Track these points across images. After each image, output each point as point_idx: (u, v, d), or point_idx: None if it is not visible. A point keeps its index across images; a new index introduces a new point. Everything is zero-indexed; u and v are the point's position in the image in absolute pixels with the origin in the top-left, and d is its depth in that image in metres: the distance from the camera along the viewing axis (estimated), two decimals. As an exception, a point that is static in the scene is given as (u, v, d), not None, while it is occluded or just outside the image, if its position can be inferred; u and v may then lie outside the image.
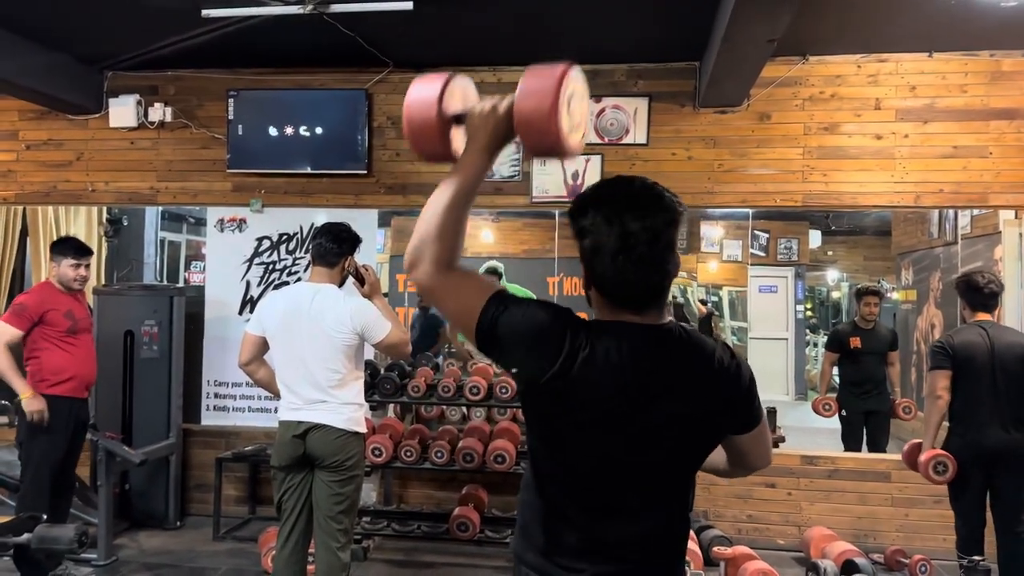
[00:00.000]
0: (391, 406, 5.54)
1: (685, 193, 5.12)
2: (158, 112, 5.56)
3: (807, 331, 11.13)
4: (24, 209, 6.91)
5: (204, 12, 4.29)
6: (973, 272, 4.17)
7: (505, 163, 5.30)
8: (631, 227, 1.42)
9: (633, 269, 1.43)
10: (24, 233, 7.28)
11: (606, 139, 5.22)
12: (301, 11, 4.20)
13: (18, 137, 5.79)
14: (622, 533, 1.49)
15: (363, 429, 3.40)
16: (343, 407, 3.31)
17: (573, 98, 1.51)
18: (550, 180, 5.27)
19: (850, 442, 5.77)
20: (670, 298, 6.84)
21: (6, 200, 5.89)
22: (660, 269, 1.46)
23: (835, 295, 12.55)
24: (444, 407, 5.49)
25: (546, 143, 1.47)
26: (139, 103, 5.58)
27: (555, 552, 1.50)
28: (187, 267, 9.95)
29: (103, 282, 7.56)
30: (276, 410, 3.46)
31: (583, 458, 1.49)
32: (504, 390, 4.68)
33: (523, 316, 1.46)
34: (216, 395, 5.62)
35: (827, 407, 5.75)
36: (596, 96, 5.21)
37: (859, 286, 6.27)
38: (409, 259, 1.48)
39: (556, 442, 1.51)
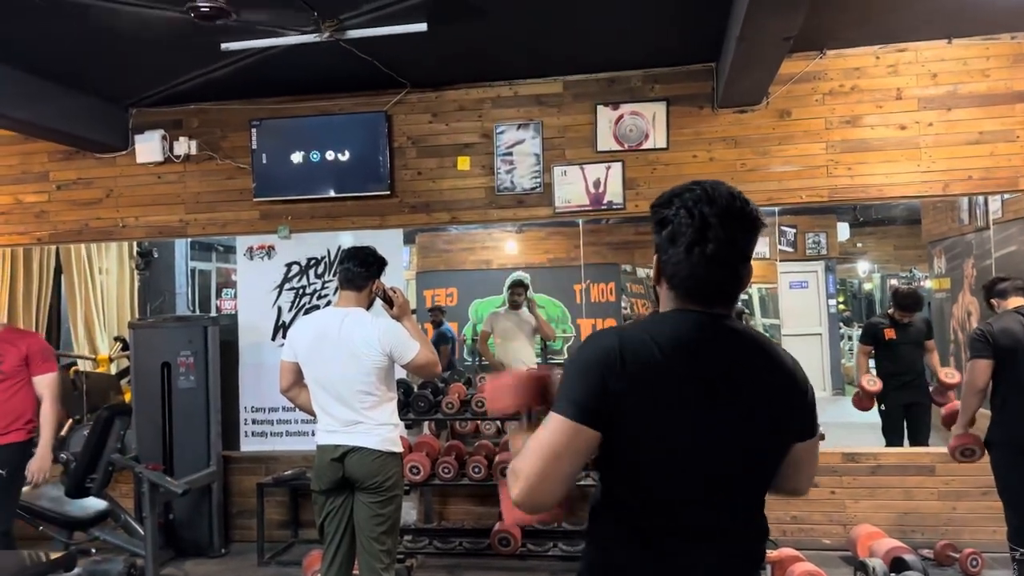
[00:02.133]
0: (426, 423, 5.57)
1: (709, 195, 5.11)
2: (183, 146, 5.65)
3: (841, 325, 10.99)
4: (57, 248, 7.06)
5: (223, 46, 4.37)
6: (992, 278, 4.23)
7: (526, 175, 5.31)
8: (711, 221, 1.44)
9: (705, 263, 1.45)
10: (58, 271, 7.44)
11: (626, 145, 5.21)
12: (318, 39, 4.26)
13: (49, 178, 5.91)
14: (707, 556, 1.47)
15: (399, 449, 3.41)
16: (378, 428, 3.33)
17: None
18: (572, 190, 5.27)
19: (891, 435, 5.68)
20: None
21: (40, 240, 6.01)
22: (732, 270, 1.47)
23: (867, 287, 12.39)
24: (479, 422, 5.50)
25: None
26: (164, 138, 5.68)
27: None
28: (218, 295, 10.08)
29: (136, 315, 7.69)
30: (313, 433, 3.49)
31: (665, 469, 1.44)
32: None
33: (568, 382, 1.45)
34: (254, 421, 5.68)
35: (871, 382, 5.65)
36: (613, 103, 5.22)
37: (898, 289, 6.15)
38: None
39: (635, 467, 1.46)
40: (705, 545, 1.46)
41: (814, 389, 1.56)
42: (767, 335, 1.61)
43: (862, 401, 5.58)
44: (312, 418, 3.50)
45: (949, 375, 5.40)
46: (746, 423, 1.45)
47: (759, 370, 1.48)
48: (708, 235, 1.43)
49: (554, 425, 1.41)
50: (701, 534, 1.47)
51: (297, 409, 3.63)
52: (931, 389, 5.58)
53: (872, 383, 5.52)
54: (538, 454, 1.40)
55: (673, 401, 1.42)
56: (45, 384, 4.17)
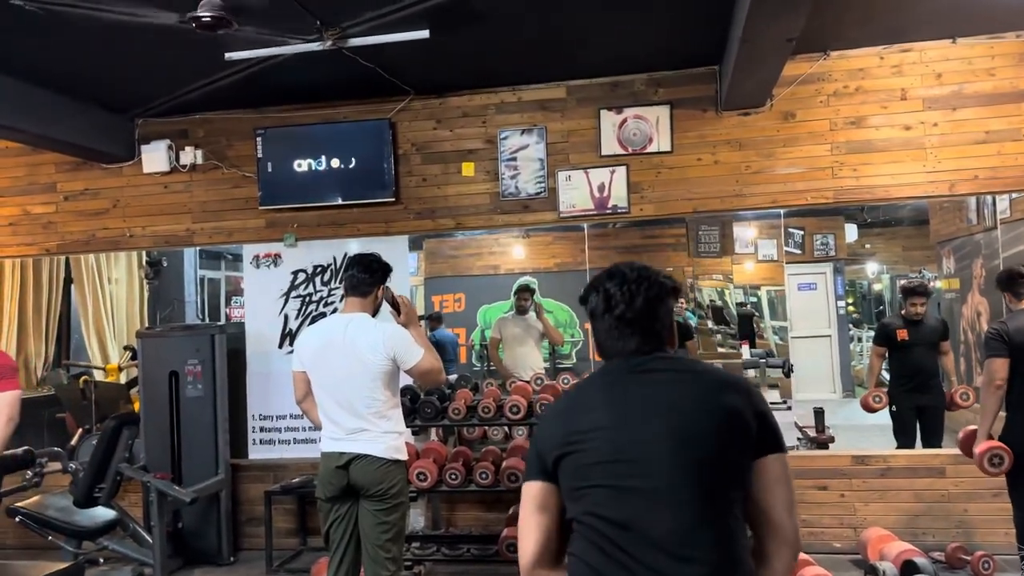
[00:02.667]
0: (433, 430, 5.56)
1: (713, 197, 5.11)
2: (189, 155, 5.69)
3: (850, 326, 10.93)
4: (67, 258, 7.11)
5: (227, 55, 4.39)
6: (1012, 267, 4.10)
7: (531, 180, 5.32)
8: (611, 291, 1.73)
9: (616, 325, 1.72)
10: (68, 281, 7.48)
11: (630, 149, 5.21)
12: (321, 47, 4.27)
13: (56, 189, 5.95)
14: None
15: (404, 456, 3.41)
16: (383, 435, 3.33)
17: None
18: (577, 194, 5.27)
19: (902, 438, 5.64)
20: (707, 301, 6.69)
21: (48, 251, 6.04)
22: (642, 327, 1.71)
23: (877, 287, 12.32)
24: (486, 428, 5.49)
25: None
26: (170, 148, 5.71)
27: None
28: (227, 303, 10.11)
29: (146, 324, 7.73)
30: (320, 440, 3.50)
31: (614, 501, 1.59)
32: (544, 408, 4.66)
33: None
34: (262, 429, 5.69)
35: (877, 399, 5.62)
36: (617, 107, 5.22)
37: (903, 283, 6.13)
38: None
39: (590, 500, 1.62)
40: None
41: (765, 403, 1.66)
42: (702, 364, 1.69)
43: (870, 405, 5.57)
44: (317, 428, 3.51)
45: (964, 397, 5.35)
46: (666, 442, 1.58)
47: (676, 391, 1.65)
48: (611, 302, 1.73)
49: None
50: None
51: (307, 419, 3.64)
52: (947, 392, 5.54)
53: (878, 401, 5.51)
54: None
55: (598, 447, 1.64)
56: (5, 402, 4.03)
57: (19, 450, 4.37)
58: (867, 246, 11.31)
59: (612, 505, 1.55)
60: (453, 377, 5.91)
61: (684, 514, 1.51)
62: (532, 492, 1.68)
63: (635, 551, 1.51)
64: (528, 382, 5.20)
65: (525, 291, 6.59)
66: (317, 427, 3.51)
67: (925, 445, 5.53)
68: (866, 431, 6.60)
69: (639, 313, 1.71)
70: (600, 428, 1.61)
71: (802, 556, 4.29)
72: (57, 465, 4.96)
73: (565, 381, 5.00)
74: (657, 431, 1.56)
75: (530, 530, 1.66)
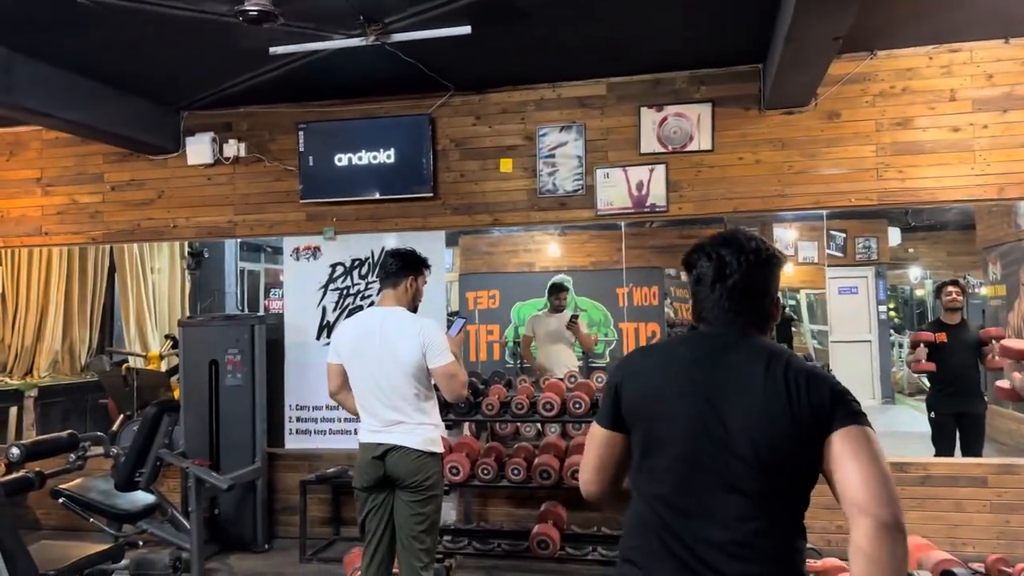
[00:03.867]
0: (466, 424, 5.58)
1: (754, 197, 5.06)
2: (232, 148, 5.77)
3: (892, 332, 10.74)
4: (111, 247, 7.25)
5: (272, 50, 4.44)
6: None
7: (569, 177, 5.30)
8: (727, 259, 1.67)
9: (727, 296, 1.67)
10: (112, 270, 7.64)
11: (669, 147, 5.17)
12: (363, 42, 4.31)
13: (103, 179, 6.08)
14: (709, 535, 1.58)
15: (440, 449, 3.43)
16: (419, 427, 3.35)
17: None
18: (615, 192, 5.25)
19: (941, 445, 5.52)
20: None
21: (94, 240, 6.18)
22: (752, 301, 1.68)
23: (919, 293, 12.08)
24: (519, 424, 5.50)
25: None
26: (214, 140, 5.80)
27: None
28: (266, 295, 10.24)
29: (187, 314, 7.86)
30: (356, 432, 3.53)
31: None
32: (578, 405, 4.66)
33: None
34: (298, 419, 5.76)
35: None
36: (657, 105, 5.18)
37: (938, 282, 6.03)
38: None
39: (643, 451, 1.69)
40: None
41: (839, 385, 1.60)
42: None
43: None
44: (356, 418, 3.55)
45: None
46: (736, 427, 1.59)
47: (744, 376, 1.61)
48: (726, 271, 1.67)
49: None
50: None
51: (343, 410, 3.68)
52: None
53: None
54: None
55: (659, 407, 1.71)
56: None
57: (63, 434, 4.48)
58: (910, 250, 11.09)
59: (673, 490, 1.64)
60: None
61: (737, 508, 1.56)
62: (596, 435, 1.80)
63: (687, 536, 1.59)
64: (562, 379, 5.19)
65: (560, 290, 6.57)
66: (355, 415, 3.55)
67: (965, 453, 5.41)
68: (906, 438, 6.48)
69: (753, 286, 1.68)
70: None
71: (836, 563, 4.23)
72: (99, 449, 5.06)
73: (599, 380, 4.98)
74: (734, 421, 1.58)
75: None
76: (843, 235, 9.67)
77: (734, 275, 1.65)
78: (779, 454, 1.54)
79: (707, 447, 1.57)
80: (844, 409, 1.54)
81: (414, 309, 3.52)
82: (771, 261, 1.68)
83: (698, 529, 1.57)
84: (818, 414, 1.53)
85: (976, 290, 8.05)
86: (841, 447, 1.52)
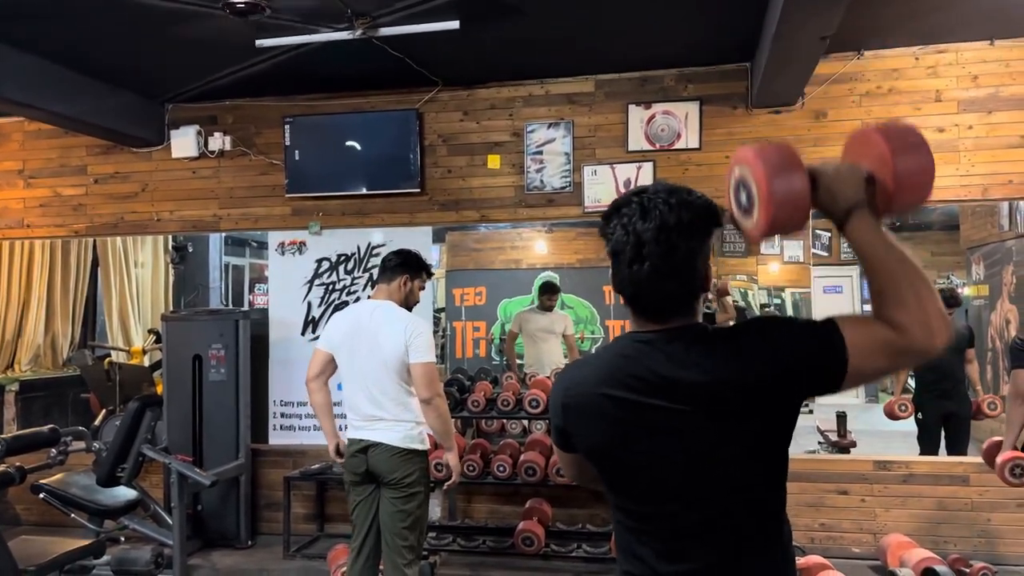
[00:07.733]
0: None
1: (741, 196, 5.05)
2: (218, 141, 5.72)
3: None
4: (95, 241, 7.19)
5: (258, 42, 4.40)
6: None
7: (556, 174, 5.30)
8: (645, 236, 1.39)
9: (647, 277, 1.41)
10: (95, 263, 7.58)
11: (657, 145, 5.17)
12: (351, 36, 4.28)
13: (87, 172, 6.02)
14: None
15: (422, 446, 3.43)
16: (398, 424, 3.35)
17: None
18: (602, 189, 5.24)
19: (926, 445, 5.57)
20: (731, 300, 6.58)
21: (77, 233, 6.11)
22: (677, 278, 1.42)
23: (903, 293, 12.15)
24: (504, 421, 5.49)
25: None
26: (199, 133, 5.75)
27: None
28: (251, 290, 10.20)
29: (171, 308, 7.81)
30: (343, 428, 3.55)
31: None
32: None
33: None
34: (283, 415, 5.73)
35: (902, 408, 5.57)
36: (645, 103, 5.18)
37: None
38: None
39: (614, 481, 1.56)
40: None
41: (776, 319, 1.53)
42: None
43: (895, 414, 5.52)
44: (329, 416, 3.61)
45: (991, 406, 5.28)
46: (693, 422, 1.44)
47: (696, 361, 1.42)
48: (644, 250, 1.40)
49: None
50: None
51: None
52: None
53: (903, 410, 5.46)
54: None
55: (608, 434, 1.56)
56: None
57: (44, 428, 4.43)
58: (895, 250, 11.16)
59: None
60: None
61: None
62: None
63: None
64: (548, 377, 5.19)
65: (552, 291, 6.57)
66: (315, 413, 3.64)
67: (950, 453, 5.47)
68: (888, 437, 6.53)
69: (673, 264, 1.40)
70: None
71: (819, 560, 4.26)
72: (81, 444, 5.01)
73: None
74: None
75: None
76: (828, 235, 9.74)
77: (653, 255, 1.39)
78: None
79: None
80: None
81: (408, 310, 3.52)
82: (695, 225, 1.42)
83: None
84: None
85: (959, 290, 8.11)
86: None
